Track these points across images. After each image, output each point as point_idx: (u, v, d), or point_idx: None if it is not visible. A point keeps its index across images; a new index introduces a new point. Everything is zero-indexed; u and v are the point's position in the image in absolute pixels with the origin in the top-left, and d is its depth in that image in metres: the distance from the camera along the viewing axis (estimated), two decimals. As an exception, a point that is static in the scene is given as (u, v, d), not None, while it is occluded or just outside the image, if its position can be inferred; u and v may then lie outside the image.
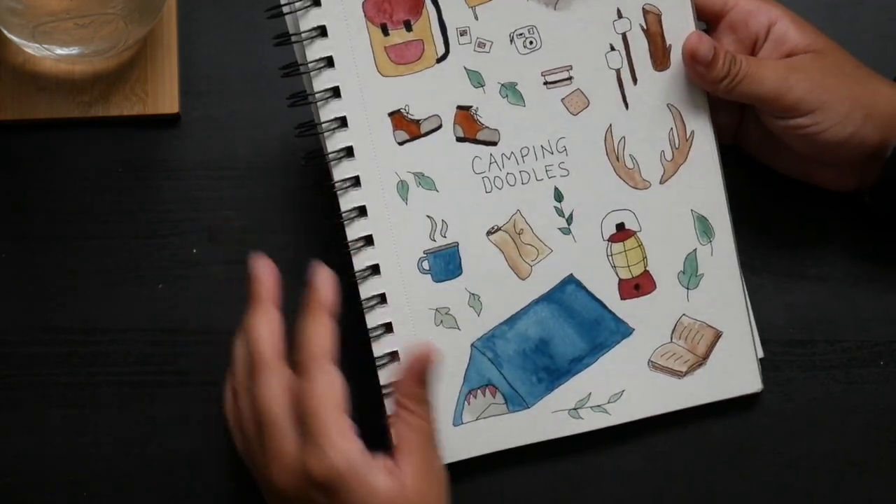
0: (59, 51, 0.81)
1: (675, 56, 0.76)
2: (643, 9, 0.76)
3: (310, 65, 0.76)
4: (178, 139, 0.84)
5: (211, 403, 0.82)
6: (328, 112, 0.76)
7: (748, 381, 0.79)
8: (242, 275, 0.83)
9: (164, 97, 0.83)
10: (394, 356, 0.77)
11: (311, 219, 0.83)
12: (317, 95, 0.76)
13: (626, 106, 0.76)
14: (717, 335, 0.78)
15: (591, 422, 0.78)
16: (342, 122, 0.76)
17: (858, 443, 0.81)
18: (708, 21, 0.78)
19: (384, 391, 0.77)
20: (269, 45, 0.83)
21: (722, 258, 0.78)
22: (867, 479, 0.81)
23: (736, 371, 0.78)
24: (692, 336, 0.78)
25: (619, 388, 0.78)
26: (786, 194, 0.83)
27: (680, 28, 0.76)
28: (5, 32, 0.81)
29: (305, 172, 0.83)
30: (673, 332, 0.78)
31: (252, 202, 0.83)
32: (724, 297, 0.78)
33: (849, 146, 0.75)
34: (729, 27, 0.77)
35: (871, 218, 0.81)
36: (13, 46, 0.83)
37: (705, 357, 0.78)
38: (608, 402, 0.78)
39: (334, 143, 0.76)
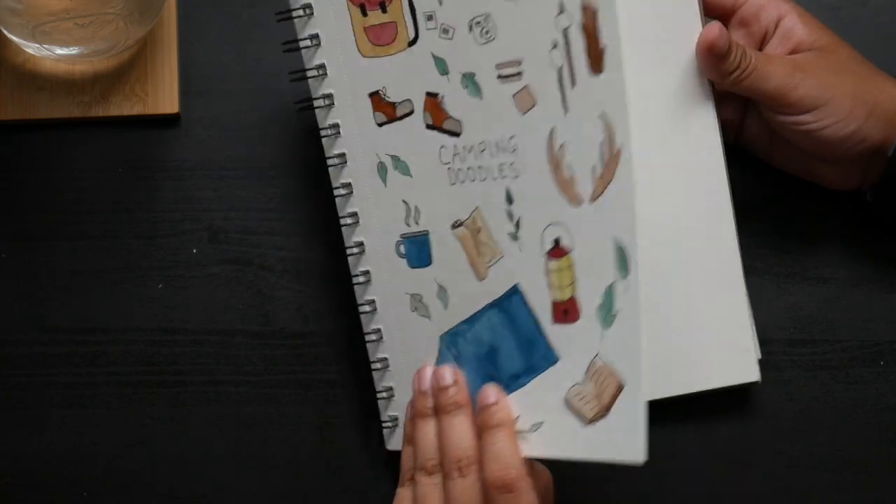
0: (59, 51, 0.80)
1: (610, 60, 0.66)
2: (582, 4, 0.67)
3: (301, 42, 0.76)
4: (178, 139, 0.84)
5: (210, 403, 0.82)
6: (319, 89, 0.77)
7: (631, 448, 0.66)
8: (242, 275, 0.83)
9: (164, 97, 0.83)
10: (378, 333, 0.78)
11: (310, 219, 0.83)
12: (308, 72, 0.77)
13: (566, 109, 0.68)
14: (620, 387, 0.67)
15: None
16: (331, 99, 0.77)
17: (858, 443, 0.81)
18: (719, 16, 0.78)
19: (373, 366, 0.78)
20: (269, 44, 0.83)
21: (634, 299, 0.66)
22: (867, 479, 0.81)
23: (623, 433, 0.67)
24: (601, 380, 0.68)
25: (539, 419, 0.70)
26: (787, 195, 0.83)
27: (611, 28, 0.66)
28: (5, 32, 0.81)
29: (305, 173, 0.83)
30: (587, 372, 0.68)
31: (252, 202, 0.83)
32: (630, 342, 0.66)
33: (851, 143, 0.75)
34: (740, 21, 0.78)
35: (872, 218, 0.81)
36: (13, 46, 0.83)
37: (608, 409, 0.67)
38: (529, 430, 0.71)
39: (324, 119, 0.77)
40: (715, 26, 0.74)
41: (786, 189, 0.82)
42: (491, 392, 0.71)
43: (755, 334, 0.78)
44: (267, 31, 0.84)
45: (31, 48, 0.81)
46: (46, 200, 0.83)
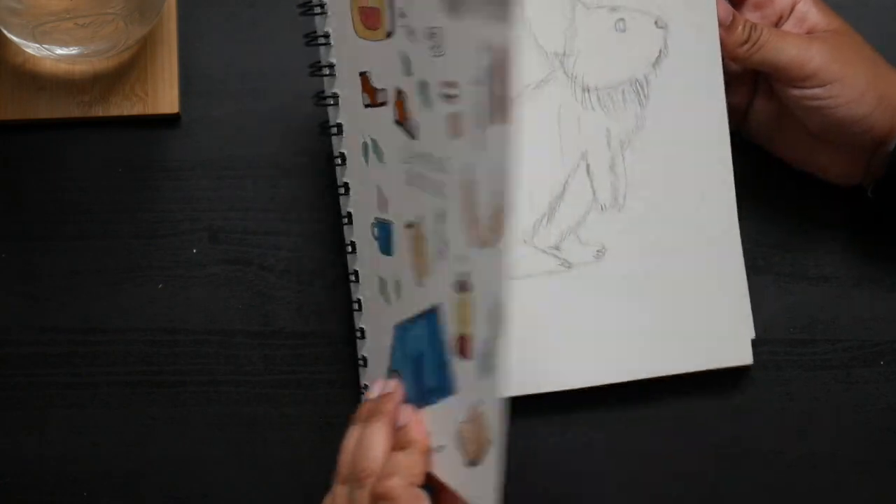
0: (59, 51, 0.81)
1: (511, 113, 0.58)
2: (491, 45, 0.59)
3: (313, 9, 0.76)
4: (178, 139, 0.84)
5: (210, 404, 0.82)
6: (324, 57, 0.77)
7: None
8: (242, 275, 0.83)
9: (164, 97, 0.83)
10: (359, 304, 0.78)
11: (311, 219, 0.83)
12: (320, 39, 0.77)
13: (482, 148, 0.61)
14: (489, 441, 0.63)
15: None
16: (333, 69, 0.77)
17: (858, 443, 0.81)
18: (734, 1, 0.79)
19: (357, 333, 0.79)
20: (269, 44, 0.83)
21: (504, 360, 0.61)
22: (867, 479, 0.81)
23: (482, 489, 0.63)
24: (478, 427, 0.64)
25: (443, 443, 0.67)
26: (788, 194, 0.83)
27: (514, 78, 0.57)
28: (5, 32, 0.81)
29: (305, 172, 0.83)
30: (470, 413, 0.64)
31: (252, 202, 0.83)
32: (499, 401, 0.62)
33: (859, 127, 0.76)
34: (755, 4, 0.79)
35: (873, 216, 0.81)
36: (13, 46, 0.83)
37: (479, 458, 0.64)
38: (436, 451, 0.68)
39: (329, 88, 0.77)
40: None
41: (787, 188, 0.82)
42: (405, 414, 0.69)
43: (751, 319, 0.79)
44: (267, 31, 0.84)
45: (31, 48, 0.81)
46: (46, 200, 0.83)
